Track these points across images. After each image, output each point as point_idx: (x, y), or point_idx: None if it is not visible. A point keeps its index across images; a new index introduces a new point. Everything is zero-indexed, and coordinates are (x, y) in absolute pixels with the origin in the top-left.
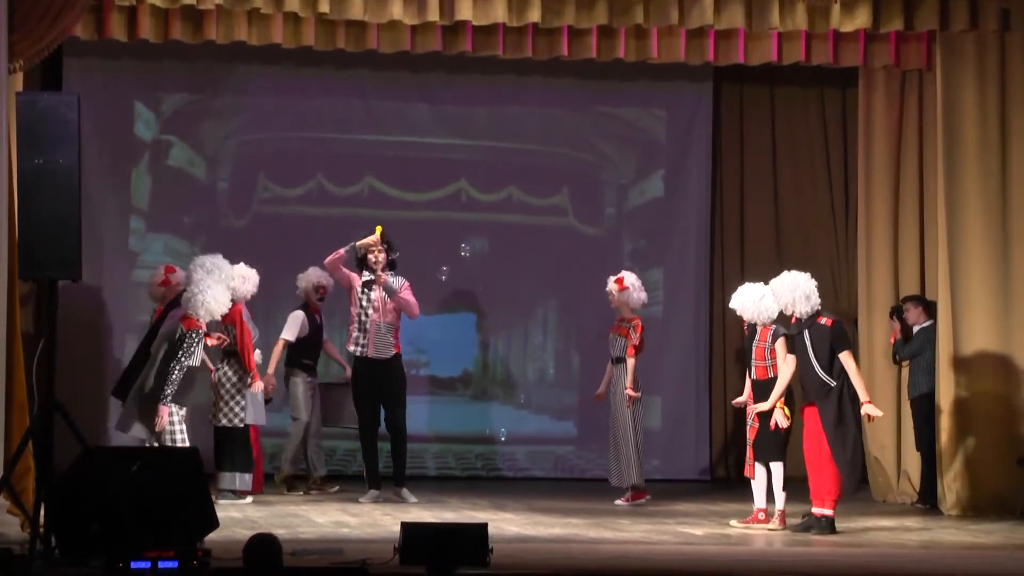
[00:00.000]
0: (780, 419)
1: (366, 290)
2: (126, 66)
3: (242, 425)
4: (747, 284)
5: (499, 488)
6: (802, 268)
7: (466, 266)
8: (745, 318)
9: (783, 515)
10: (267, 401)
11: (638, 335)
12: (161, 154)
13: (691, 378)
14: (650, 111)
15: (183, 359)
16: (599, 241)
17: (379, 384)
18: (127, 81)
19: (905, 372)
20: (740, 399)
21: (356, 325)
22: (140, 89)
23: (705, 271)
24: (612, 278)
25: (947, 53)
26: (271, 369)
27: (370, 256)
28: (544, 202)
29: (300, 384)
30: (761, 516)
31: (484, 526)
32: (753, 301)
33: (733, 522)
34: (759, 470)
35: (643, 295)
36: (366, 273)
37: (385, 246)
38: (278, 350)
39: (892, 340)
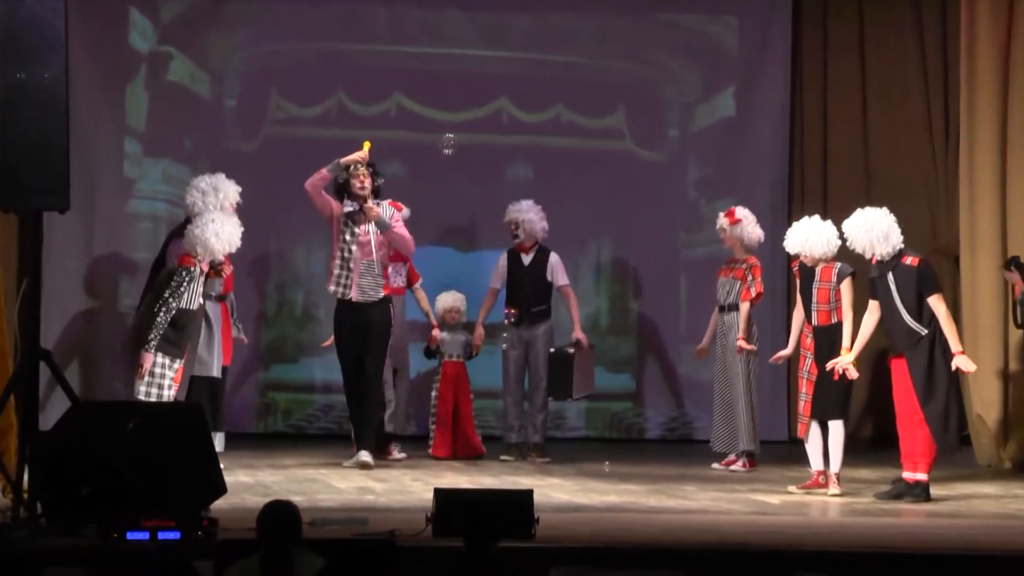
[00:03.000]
0: (852, 370)
1: (349, 223)
2: None
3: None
4: (803, 219)
5: (546, 450)
6: (895, 199)
7: (509, 196)
8: (802, 256)
9: (838, 478)
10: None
11: (758, 279)
12: (159, 68)
13: (767, 327)
14: (719, 17)
15: (169, 299)
16: (660, 168)
17: (362, 332)
18: None
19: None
20: (781, 353)
21: (338, 262)
22: None
23: (782, 203)
24: (722, 212)
25: None
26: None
27: (355, 182)
28: (597, 123)
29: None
30: (822, 479)
31: (529, 493)
32: (811, 236)
33: (791, 487)
34: (814, 429)
35: (759, 230)
36: (349, 203)
37: (370, 168)
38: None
39: (1016, 294)
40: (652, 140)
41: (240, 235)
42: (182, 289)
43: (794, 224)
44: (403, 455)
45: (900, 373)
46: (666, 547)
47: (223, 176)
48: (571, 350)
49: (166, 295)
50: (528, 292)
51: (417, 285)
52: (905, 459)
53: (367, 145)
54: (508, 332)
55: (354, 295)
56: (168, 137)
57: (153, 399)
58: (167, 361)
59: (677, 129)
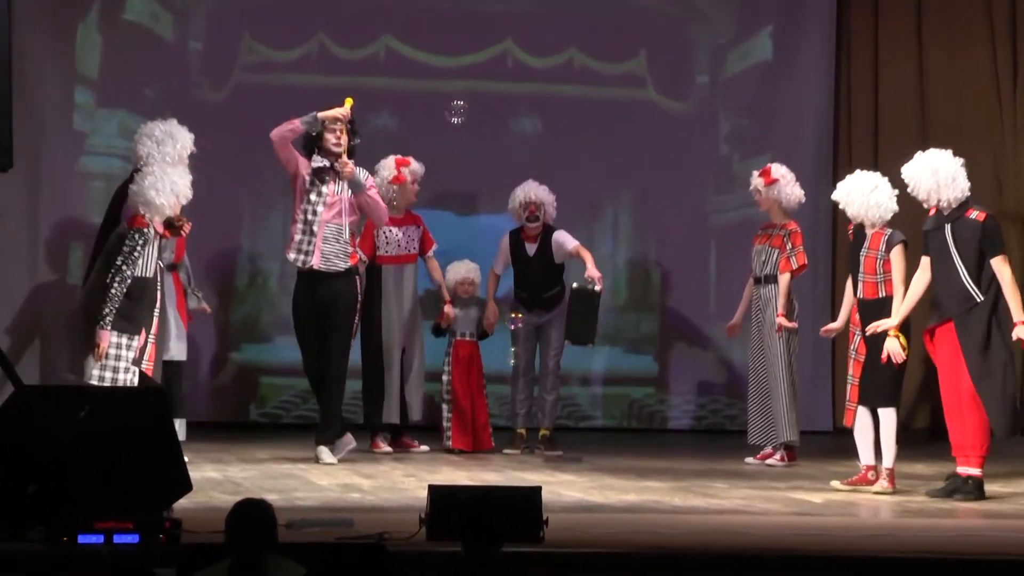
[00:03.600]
0: (895, 349)
1: (316, 181)
2: None
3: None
4: (858, 172)
5: (556, 440)
6: (955, 155)
7: (514, 152)
8: (850, 214)
9: (892, 474)
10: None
11: (799, 248)
12: (115, 6)
13: (808, 301)
14: None
15: (123, 267)
16: (687, 120)
17: (325, 307)
18: None
19: None
20: (832, 326)
21: (300, 226)
22: None
23: (826, 159)
24: (756, 171)
25: None
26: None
27: (330, 136)
28: (615, 69)
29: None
30: (871, 475)
31: (536, 491)
32: (862, 192)
33: (835, 483)
34: (863, 417)
35: (799, 191)
36: (318, 159)
37: (350, 126)
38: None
39: None
40: (677, 88)
41: (189, 184)
42: (136, 254)
43: (847, 177)
44: (388, 448)
45: (946, 342)
46: (693, 552)
47: (175, 122)
48: (598, 287)
49: (119, 262)
50: (536, 279)
51: (431, 253)
52: (956, 451)
53: (349, 102)
54: (518, 308)
55: (316, 262)
56: (125, 85)
57: (107, 384)
58: (124, 340)
59: (706, 75)
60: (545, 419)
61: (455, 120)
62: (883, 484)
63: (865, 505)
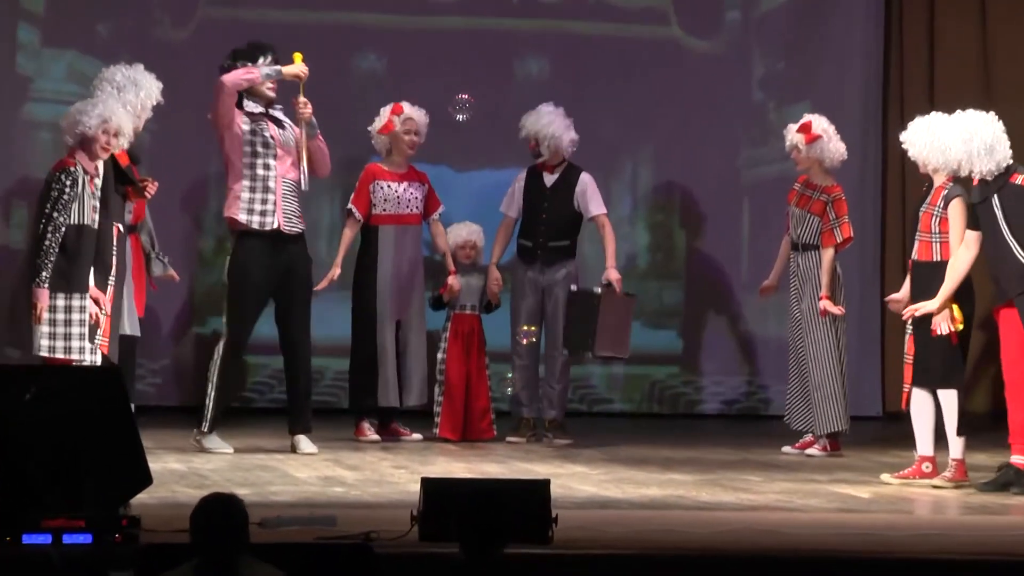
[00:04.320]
0: (945, 323)
1: (259, 127)
2: None
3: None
4: (934, 113)
5: (566, 428)
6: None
7: (520, 98)
8: (911, 156)
9: (961, 466)
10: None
11: (843, 219)
12: None
13: (852, 273)
14: None
15: (53, 213)
16: (716, 62)
17: (284, 276)
18: None
19: None
20: (898, 295)
21: (247, 182)
22: None
23: (875, 106)
24: (793, 125)
25: None
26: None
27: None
28: (634, 3)
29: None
30: (926, 468)
31: (544, 484)
32: (929, 130)
33: (886, 476)
34: (921, 399)
35: (842, 147)
36: (252, 103)
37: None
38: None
39: None
40: (706, 25)
41: (130, 124)
42: (66, 197)
43: (916, 118)
44: (376, 436)
45: (1010, 327)
46: (722, 555)
47: (142, 68)
48: (598, 290)
49: (47, 210)
50: (547, 221)
51: (436, 216)
52: (1014, 438)
53: (299, 57)
54: (519, 273)
55: (280, 222)
56: (75, 22)
57: (60, 355)
58: (71, 302)
59: (738, 10)
60: (553, 408)
61: (460, 117)
62: (944, 477)
63: (919, 501)
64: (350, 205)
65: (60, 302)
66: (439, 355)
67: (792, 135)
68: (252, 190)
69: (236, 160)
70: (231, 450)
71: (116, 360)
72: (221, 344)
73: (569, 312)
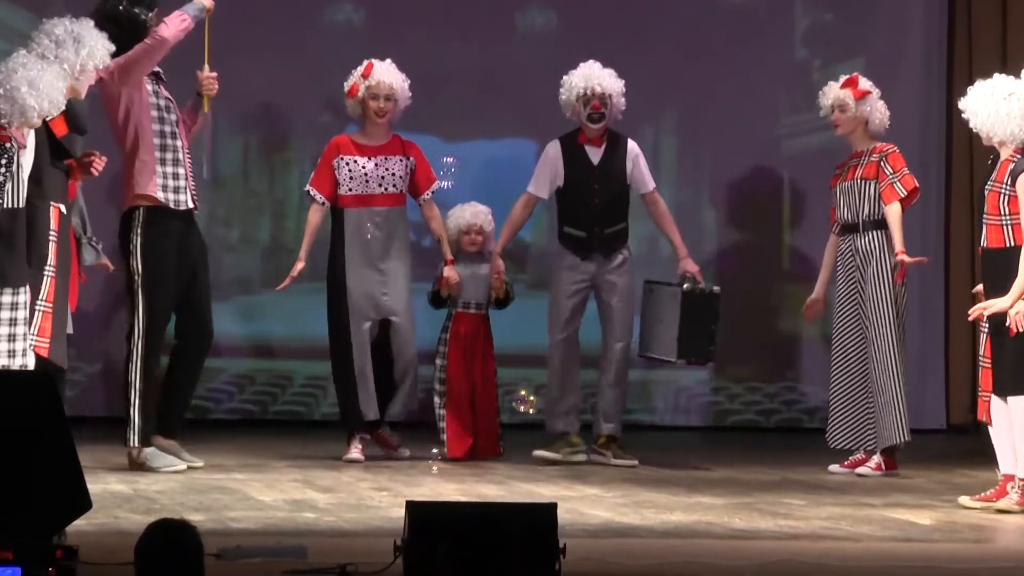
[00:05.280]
0: (1020, 318)
1: (158, 90)
2: None
3: None
4: (997, 75)
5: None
6: None
7: (521, 56)
8: (973, 126)
9: None
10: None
11: (903, 171)
12: None
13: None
14: None
15: None
16: (752, 14)
17: (193, 258)
18: None
19: None
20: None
21: (158, 155)
22: None
23: (938, 65)
24: (834, 83)
25: None
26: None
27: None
28: None
29: None
30: (1011, 488)
31: (551, 509)
32: (993, 98)
33: (964, 499)
34: (1000, 410)
35: (887, 112)
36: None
37: None
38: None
39: None
40: None
41: (63, 92)
42: (1, 177)
43: (977, 83)
44: (358, 456)
45: None
46: None
47: (91, 25)
48: (716, 288)
49: None
50: (600, 207)
51: (428, 194)
52: None
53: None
54: (565, 266)
55: (193, 202)
56: None
57: (2, 358)
58: (12, 299)
59: None
60: (610, 423)
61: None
62: (1011, 499)
63: (986, 527)
64: (308, 187)
65: (5, 297)
66: (437, 361)
67: (834, 91)
68: (162, 163)
69: (146, 128)
70: (183, 467)
71: (64, 364)
72: (138, 341)
73: (683, 313)
